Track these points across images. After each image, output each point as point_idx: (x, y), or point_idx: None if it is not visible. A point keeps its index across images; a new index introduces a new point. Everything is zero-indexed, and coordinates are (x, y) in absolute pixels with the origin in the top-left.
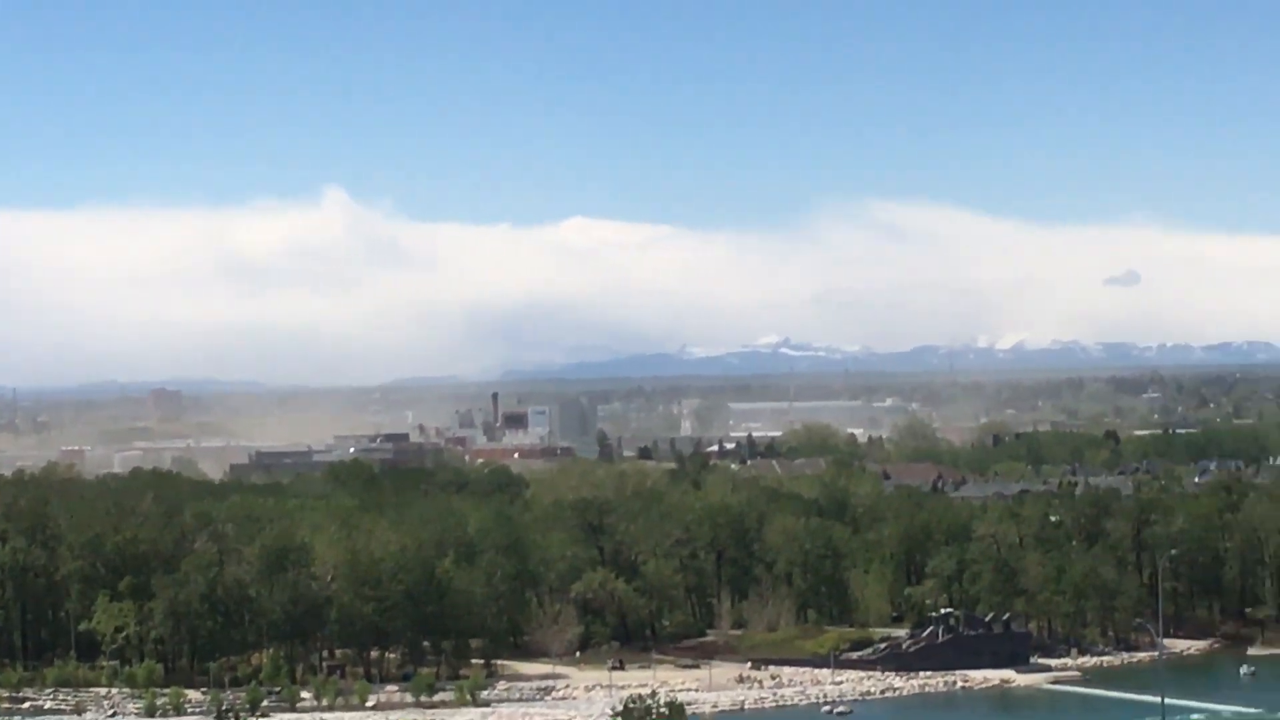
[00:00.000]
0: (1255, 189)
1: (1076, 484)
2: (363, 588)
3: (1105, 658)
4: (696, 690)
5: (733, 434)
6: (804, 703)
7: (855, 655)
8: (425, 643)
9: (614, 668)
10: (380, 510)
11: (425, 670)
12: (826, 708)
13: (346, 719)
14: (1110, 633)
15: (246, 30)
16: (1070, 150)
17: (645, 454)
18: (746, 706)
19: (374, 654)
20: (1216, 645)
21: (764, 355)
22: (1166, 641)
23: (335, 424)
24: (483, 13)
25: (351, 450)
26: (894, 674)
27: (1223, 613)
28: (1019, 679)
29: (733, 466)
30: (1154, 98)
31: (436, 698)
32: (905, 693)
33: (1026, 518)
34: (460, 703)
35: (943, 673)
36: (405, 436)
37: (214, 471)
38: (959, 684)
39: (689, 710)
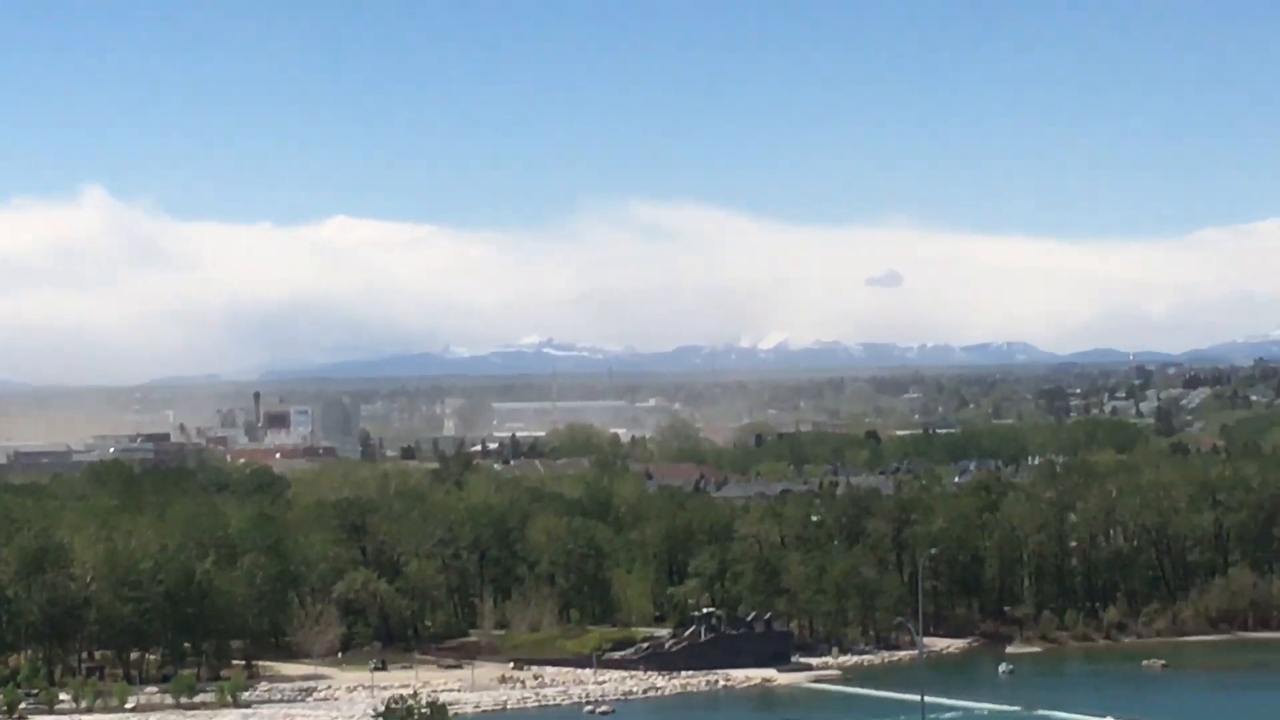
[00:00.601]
0: (1013, 191)
1: (838, 484)
2: (122, 588)
3: (866, 656)
4: (459, 690)
5: (496, 434)
6: (566, 702)
7: (618, 655)
8: (186, 644)
9: (376, 668)
10: (140, 510)
11: (186, 671)
12: (589, 708)
13: None
14: (871, 632)
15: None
16: (830, 151)
17: (408, 454)
18: (509, 706)
19: (134, 655)
20: (976, 644)
21: (527, 355)
22: (927, 640)
23: (95, 424)
24: (245, 10)
25: (111, 450)
26: (656, 673)
27: (982, 611)
28: (781, 678)
29: (496, 466)
30: (911, 100)
31: (197, 699)
32: (667, 692)
33: (788, 518)
34: (221, 704)
35: (705, 672)
36: (166, 436)
37: None
38: (721, 683)
39: (451, 711)
